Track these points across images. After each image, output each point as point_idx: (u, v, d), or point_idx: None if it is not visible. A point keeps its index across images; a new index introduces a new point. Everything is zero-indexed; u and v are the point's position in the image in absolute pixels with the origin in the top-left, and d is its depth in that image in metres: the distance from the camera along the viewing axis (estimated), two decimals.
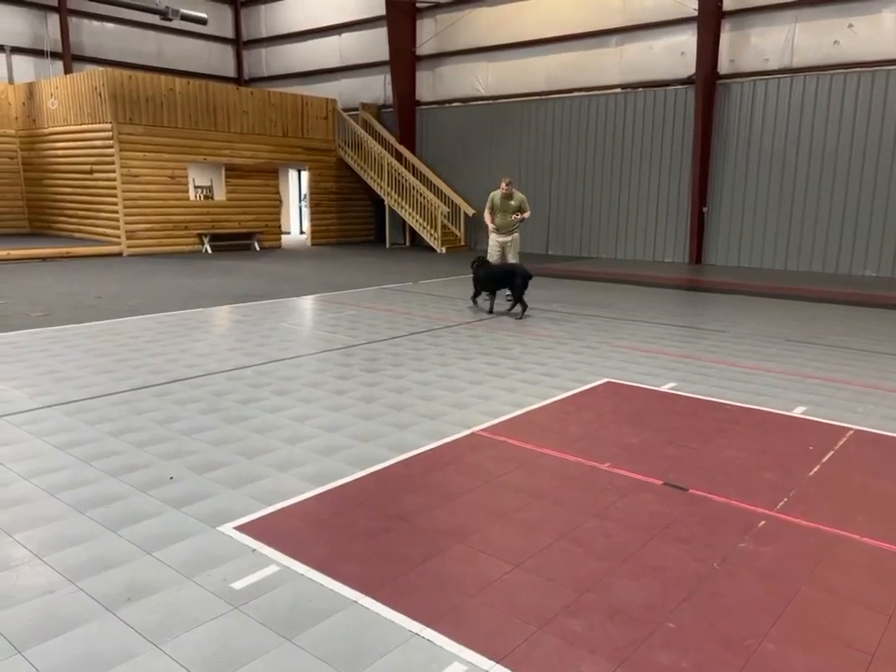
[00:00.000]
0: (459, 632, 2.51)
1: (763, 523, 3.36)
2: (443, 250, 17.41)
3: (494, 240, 9.78)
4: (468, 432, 4.55)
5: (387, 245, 18.79)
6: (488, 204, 9.78)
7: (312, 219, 18.96)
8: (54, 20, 19.52)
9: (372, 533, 3.21)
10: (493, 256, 9.73)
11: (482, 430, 4.58)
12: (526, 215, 9.67)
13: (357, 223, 19.95)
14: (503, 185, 9.55)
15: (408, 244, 19.20)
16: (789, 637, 2.50)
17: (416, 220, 17.83)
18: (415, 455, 4.15)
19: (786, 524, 3.35)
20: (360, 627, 2.53)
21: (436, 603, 2.68)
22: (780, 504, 3.56)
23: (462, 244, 18.23)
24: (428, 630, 2.51)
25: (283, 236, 18.82)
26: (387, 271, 13.37)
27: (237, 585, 2.77)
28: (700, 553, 3.08)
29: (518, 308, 8.73)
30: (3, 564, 2.89)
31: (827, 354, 6.87)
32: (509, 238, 9.69)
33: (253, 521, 3.30)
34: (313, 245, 18.85)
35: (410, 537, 3.19)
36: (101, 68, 16.32)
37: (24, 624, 2.50)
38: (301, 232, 22.85)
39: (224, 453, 4.14)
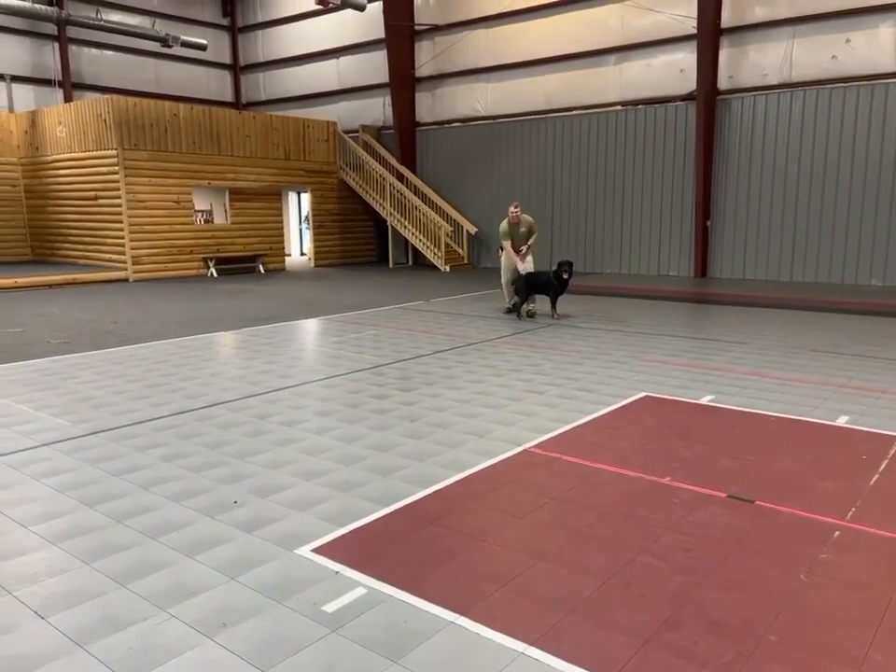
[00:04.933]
0: (564, 649, 2.49)
1: (837, 533, 3.36)
2: (447, 269, 17.47)
3: (506, 261, 10.04)
4: (520, 449, 4.54)
5: (391, 265, 18.85)
6: (503, 236, 9.89)
7: (315, 241, 19.00)
8: (55, 48, 19.59)
9: (452, 552, 3.19)
10: (505, 276, 10.16)
11: (533, 447, 4.58)
12: (532, 240, 9.92)
13: (359, 244, 20.01)
14: (511, 211, 9.73)
15: (411, 263, 19.26)
16: (893, 647, 2.50)
17: (420, 240, 17.91)
18: (474, 474, 4.14)
19: (861, 533, 3.36)
20: (464, 648, 2.51)
21: (534, 621, 2.66)
22: (850, 514, 3.57)
23: (465, 262, 18.31)
24: (533, 649, 2.49)
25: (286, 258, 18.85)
26: (397, 290, 13.39)
27: (329, 608, 2.74)
28: (783, 564, 3.08)
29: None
30: (88, 591, 2.86)
31: (855, 363, 6.91)
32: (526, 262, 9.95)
33: (329, 543, 3.28)
34: (316, 266, 18.87)
35: (491, 555, 3.17)
36: (103, 96, 16.39)
37: (125, 653, 2.46)
38: (303, 254, 22.89)
39: (281, 475, 4.11)
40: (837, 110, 13.32)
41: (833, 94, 13.32)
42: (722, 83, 14.52)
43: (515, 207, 9.84)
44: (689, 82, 14.71)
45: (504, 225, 9.89)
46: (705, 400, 5.68)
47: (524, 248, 9.83)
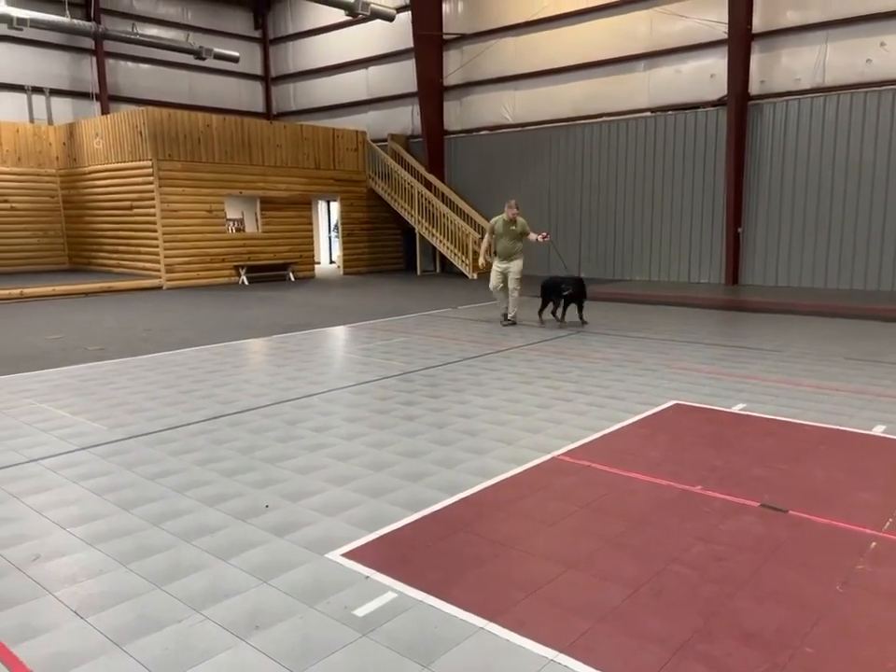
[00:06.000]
0: (594, 658, 2.48)
1: (874, 544, 3.30)
2: (475, 276, 17.48)
3: (495, 266, 9.86)
4: (548, 457, 4.53)
5: (418, 273, 18.94)
6: (489, 231, 9.85)
7: (343, 249, 19.18)
8: (92, 62, 20.10)
9: (481, 559, 3.20)
10: (493, 282, 9.92)
11: (562, 455, 4.57)
12: (533, 236, 9.81)
13: (387, 251, 20.15)
14: (509, 210, 9.60)
15: (438, 270, 19.32)
16: None
17: (447, 247, 17.97)
18: (502, 481, 4.14)
19: None
20: (494, 654, 2.51)
21: (563, 628, 2.65)
22: (887, 525, 3.50)
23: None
24: (563, 656, 2.49)
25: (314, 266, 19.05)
26: (425, 298, 13.45)
27: (359, 612, 2.77)
28: (818, 575, 3.03)
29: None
30: (125, 592, 2.92)
31: (893, 372, 6.77)
32: (510, 264, 9.75)
33: (359, 547, 3.31)
34: (345, 273, 19.04)
35: (520, 562, 3.17)
36: (138, 108, 16.76)
37: (161, 653, 2.51)
38: (332, 262, 23.11)
39: (312, 480, 4.16)
40: (872, 114, 13.09)
41: (868, 98, 13.09)
42: (754, 88, 14.36)
43: (517, 209, 9.67)
44: (720, 87, 14.58)
45: (497, 221, 9.72)
46: (737, 409, 5.61)
47: (540, 237, 9.73)
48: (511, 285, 9.76)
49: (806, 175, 13.93)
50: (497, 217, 9.83)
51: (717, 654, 2.49)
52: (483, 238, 10.43)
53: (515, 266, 9.74)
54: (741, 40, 14.01)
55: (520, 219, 9.74)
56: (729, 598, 2.85)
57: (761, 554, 3.21)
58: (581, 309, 9.84)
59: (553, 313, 10.00)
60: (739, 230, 14.79)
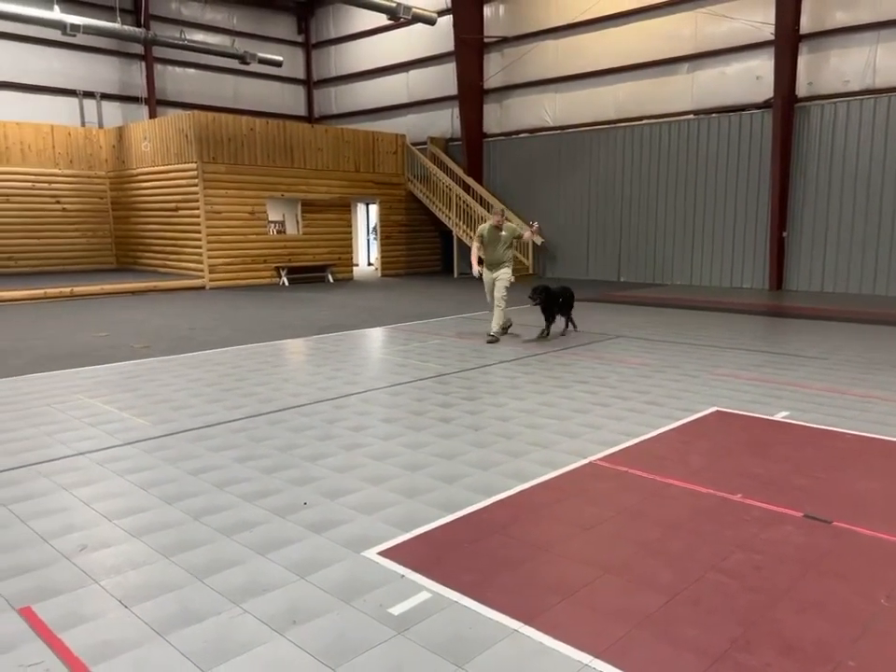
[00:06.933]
0: (629, 664, 2.46)
1: None
2: (513, 279, 17.39)
3: (484, 274, 9.33)
4: (585, 462, 4.51)
5: (455, 275, 18.97)
6: (477, 240, 9.24)
7: (382, 251, 19.32)
8: (141, 67, 20.64)
9: (515, 561, 3.20)
10: (490, 295, 9.38)
11: (599, 460, 4.54)
12: (527, 235, 9.47)
13: (425, 254, 20.24)
14: (494, 216, 9.14)
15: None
16: None
17: None
18: (538, 485, 4.13)
19: None
20: (528, 656, 2.51)
21: (599, 634, 2.64)
22: None
23: (531, 272, 18.25)
24: (598, 661, 2.48)
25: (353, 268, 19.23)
26: (462, 300, 13.47)
27: (395, 611, 2.79)
28: (861, 587, 2.96)
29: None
30: (168, 584, 3.00)
31: None
32: (498, 272, 9.17)
33: (395, 546, 3.34)
34: (383, 275, 19.17)
35: (555, 566, 3.17)
36: (184, 111, 17.15)
37: (202, 645, 2.57)
38: (370, 264, 23.29)
39: (349, 479, 4.21)
40: None
41: None
42: (801, 90, 14.07)
43: (502, 215, 9.22)
44: (765, 89, 14.32)
45: (484, 228, 9.14)
46: (779, 416, 5.50)
47: (532, 229, 9.45)
48: (499, 294, 9.06)
49: (855, 179, 13.58)
50: (484, 225, 9.32)
51: (755, 665, 2.45)
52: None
53: (504, 274, 9.11)
54: (788, 41, 13.73)
55: (508, 224, 9.24)
56: (769, 608, 2.80)
57: (802, 565, 3.15)
58: (556, 320, 9.39)
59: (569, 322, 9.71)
60: (784, 234, 14.49)
